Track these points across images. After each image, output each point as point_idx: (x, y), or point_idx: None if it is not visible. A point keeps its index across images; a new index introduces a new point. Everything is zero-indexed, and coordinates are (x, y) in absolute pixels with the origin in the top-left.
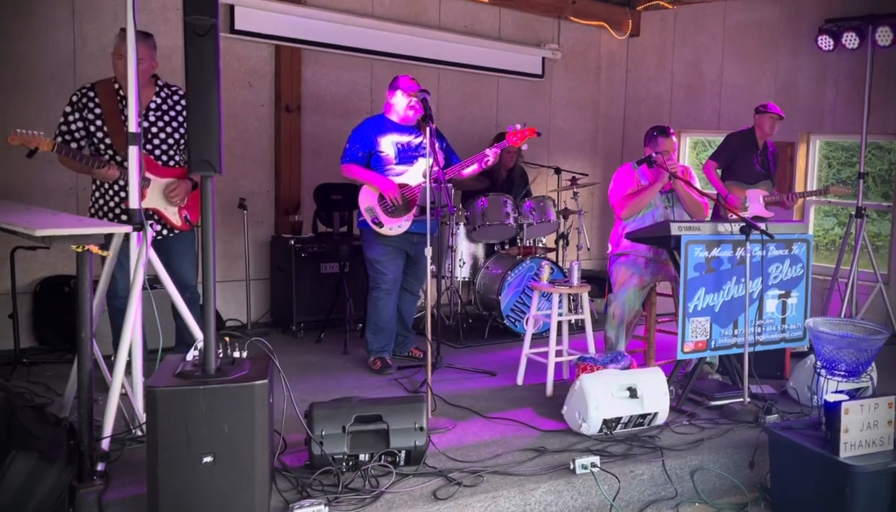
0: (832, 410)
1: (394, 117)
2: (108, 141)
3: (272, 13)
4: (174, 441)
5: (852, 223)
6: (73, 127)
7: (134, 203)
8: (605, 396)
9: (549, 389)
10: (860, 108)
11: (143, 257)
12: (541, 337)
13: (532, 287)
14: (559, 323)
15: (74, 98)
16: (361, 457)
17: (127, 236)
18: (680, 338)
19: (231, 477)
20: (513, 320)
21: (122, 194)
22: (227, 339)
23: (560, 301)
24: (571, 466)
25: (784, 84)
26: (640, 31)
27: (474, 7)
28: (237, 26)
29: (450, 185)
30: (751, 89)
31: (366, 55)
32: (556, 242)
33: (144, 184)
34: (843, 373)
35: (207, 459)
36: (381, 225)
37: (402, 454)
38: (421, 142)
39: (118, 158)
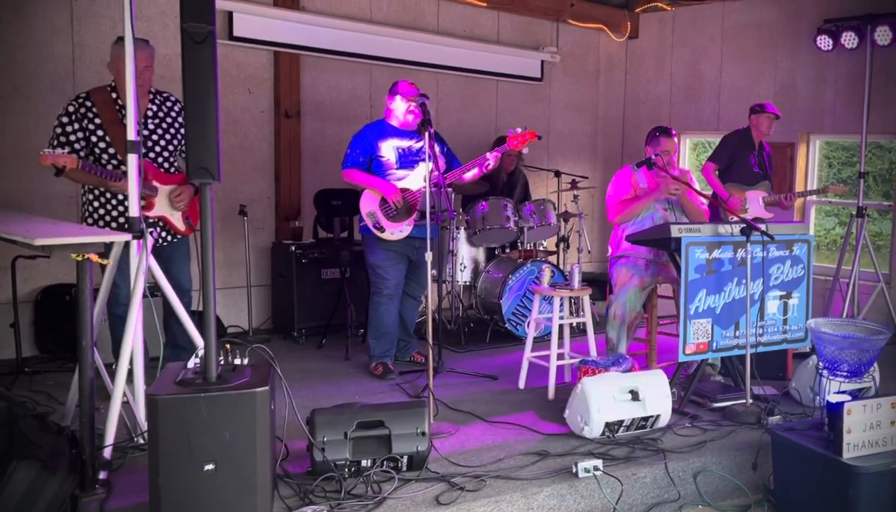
0: (835, 410)
1: (394, 122)
2: (111, 150)
3: (271, 19)
4: (176, 449)
5: (853, 223)
6: (71, 137)
7: (134, 211)
8: (606, 399)
9: (551, 393)
10: (860, 108)
11: (144, 265)
12: (542, 340)
13: (533, 290)
14: (560, 326)
15: (71, 108)
16: (364, 463)
17: (127, 244)
18: (681, 340)
19: (233, 484)
20: (514, 324)
21: (127, 203)
22: (228, 346)
23: (561, 304)
24: (574, 470)
25: (783, 84)
26: (639, 32)
27: (473, 11)
28: (236, 33)
29: (450, 189)
30: (750, 90)
31: (365, 60)
32: (557, 245)
33: (152, 192)
34: (845, 373)
35: (209, 466)
36: (382, 230)
37: (405, 459)
38: (422, 146)
39: (123, 168)
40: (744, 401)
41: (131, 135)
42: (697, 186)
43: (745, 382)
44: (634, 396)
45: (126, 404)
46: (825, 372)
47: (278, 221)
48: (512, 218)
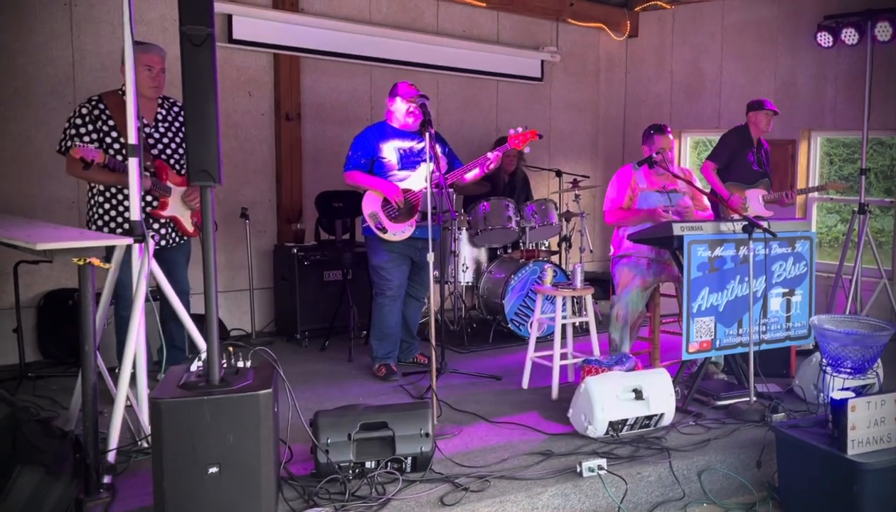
0: (839, 407)
1: (395, 124)
2: (125, 152)
3: (270, 22)
4: (180, 452)
5: (855, 220)
6: (85, 138)
7: (135, 215)
8: (610, 399)
9: (555, 393)
10: (861, 105)
11: (146, 269)
12: (545, 340)
13: (535, 290)
14: (563, 326)
15: (84, 110)
16: (368, 464)
17: (129, 248)
18: (685, 338)
19: (237, 487)
20: (517, 324)
21: (141, 204)
22: (230, 348)
23: (564, 304)
24: (578, 469)
25: (784, 82)
26: (639, 31)
27: (472, 11)
28: (235, 35)
29: (451, 189)
30: (751, 88)
31: (365, 62)
32: (559, 245)
33: (166, 192)
34: (849, 370)
35: (213, 469)
36: (384, 231)
37: (409, 461)
38: (423, 147)
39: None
40: (747, 399)
41: (131, 139)
42: (698, 184)
43: (748, 379)
44: (638, 394)
45: (129, 408)
46: (829, 369)
47: (280, 224)
48: (514, 218)
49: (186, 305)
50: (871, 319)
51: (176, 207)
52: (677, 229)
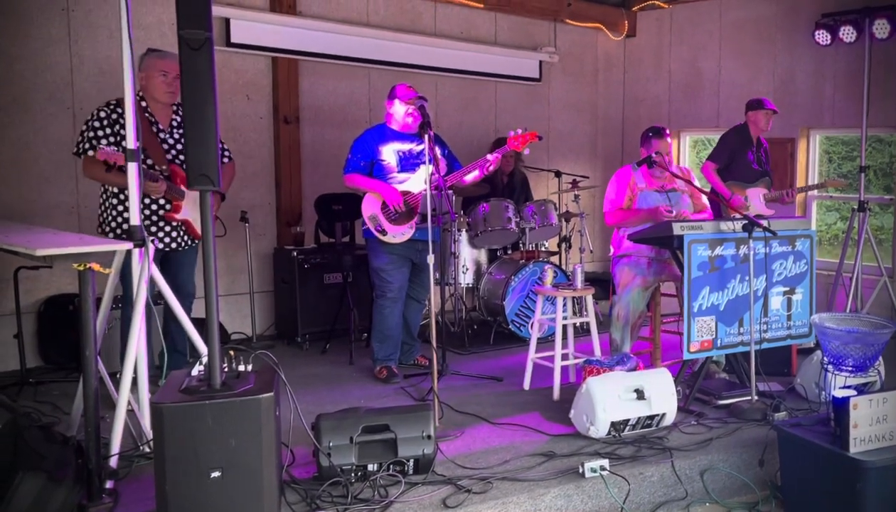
0: (841, 405)
1: (394, 126)
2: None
3: (268, 25)
4: (182, 457)
5: (855, 217)
6: (102, 141)
7: (135, 220)
8: (612, 399)
9: (556, 393)
10: (859, 102)
11: (146, 273)
12: (546, 341)
13: (536, 291)
14: (564, 326)
15: (103, 113)
16: (370, 467)
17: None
18: (686, 338)
19: (240, 491)
20: (518, 325)
21: (154, 206)
22: (231, 352)
23: (564, 304)
24: (581, 470)
25: (782, 80)
26: (637, 31)
27: (470, 13)
28: (233, 39)
29: (450, 191)
30: (749, 86)
31: (363, 64)
32: (559, 246)
33: (180, 196)
34: (850, 368)
35: (216, 473)
36: (384, 233)
37: (411, 463)
38: (422, 149)
39: (154, 170)
40: (749, 397)
41: (130, 144)
42: (697, 183)
43: (750, 378)
44: (640, 394)
45: (131, 413)
46: (830, 367)
47: (280, 227)
48: (513, 219)
49: (189, 308)
50: (872, 317)
51: (188, 211)
52: (677, 229)
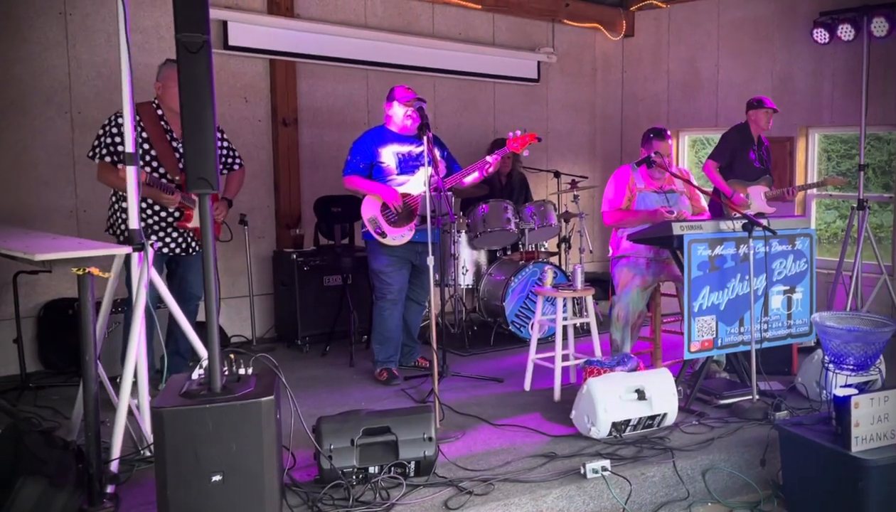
0: (842, 404)
1: (393, 128)
2: (154, 163)
3: (265, 28)
4: (183, 461)
5: (854, 216)
6: (119, 148)
7: (133, 223)
8: (613, 399)
9: (557, 394)
10: (858, 100)
11: (145, 277)
12: (546, 341)
13: (536, 292)
14: (564, 327)
15: (121, 120)
16: (371, 469)
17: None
18: (686, 337)
19: (241, 495)
20: (518, 326)
21: (163, 213)
22: (232, 356)
23: (564, 305)
24: (582, 471)
25: (781, 79)
26: (635, 31)
27: (468, 14)
28: (231, 42)
29: (449, 193)
30: (748, 85)
31: (361, 66)
32: (559, 246)
33: (192, 204)
34: (851, 367)
35: (217, 477)
36: (384, 235)
37: (412, 465)
38: (422, 151)
39: (167, 178)
40: (750, 397)
41: (129, 148)
42: (696, 183)
43: (750, 378)
44: (640, 395)
45: (131, 417)
46: (831, 366)
47: (279, 230)
48: (513, 220)
49: (195, 311)
50: (872, 316)
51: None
52: (677, 229)
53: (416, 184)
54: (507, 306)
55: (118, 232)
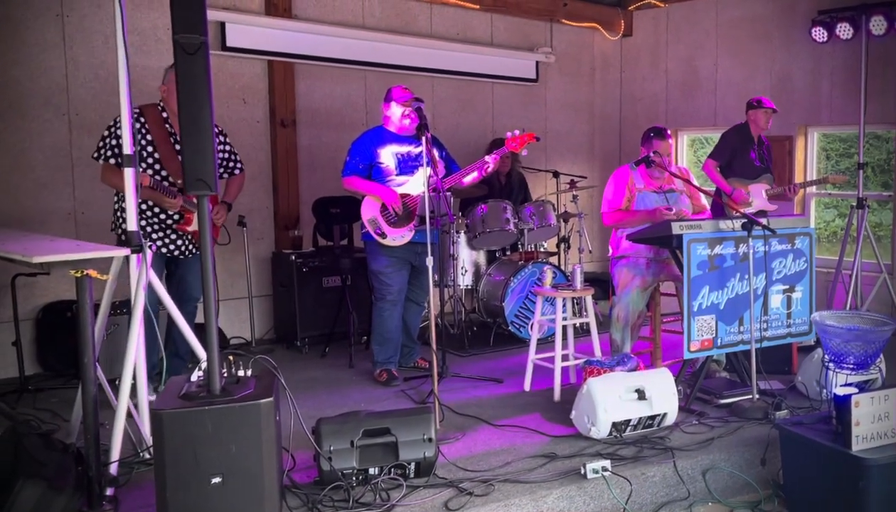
0: (842, 403)
1: (392, 128)
2: (157, 166)
3: (263, 28)
4: (182, 463)
5: (853, 214)
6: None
7: (132, 225)
8: (613, 399)
9: (557, 394)
10: (857, 99)
11: (143, 279)
12: (546, 342)
13: (535, 292)
14: (564, 327)
15: None
16: (371, 471)
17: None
18: (686, 337)
19: (241, 497)
20: (517, 326)
21: (163, 216)
22: (231, 357)
23: (564, 305)
24: (582, 471)
25: (779, 78)
26: (633, 30)
27: (466, 14)
28: (229, 43)
29: (448, 193)
30: (746, 85)
31: (359, 67)
32: (558, 246)
33: (193, 208)
34: (851, 366)
35: (216, 479)
36: (384, 236)
37: (412, 466)
38: (421, 152)
39: (169, 181)
40: (750, 396)
41: (127, 149)
42: (696, 183)
43: (750, 377)
44: (641, 395)
45: (130, 419)
46: (831, 365)
47: (277, 231)
48: (512, 220)
49: (194, 312)
50: (872, 315)
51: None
52: (676, 228)
53: (415, 184)
54: (507, 307)
55: (120, 233)
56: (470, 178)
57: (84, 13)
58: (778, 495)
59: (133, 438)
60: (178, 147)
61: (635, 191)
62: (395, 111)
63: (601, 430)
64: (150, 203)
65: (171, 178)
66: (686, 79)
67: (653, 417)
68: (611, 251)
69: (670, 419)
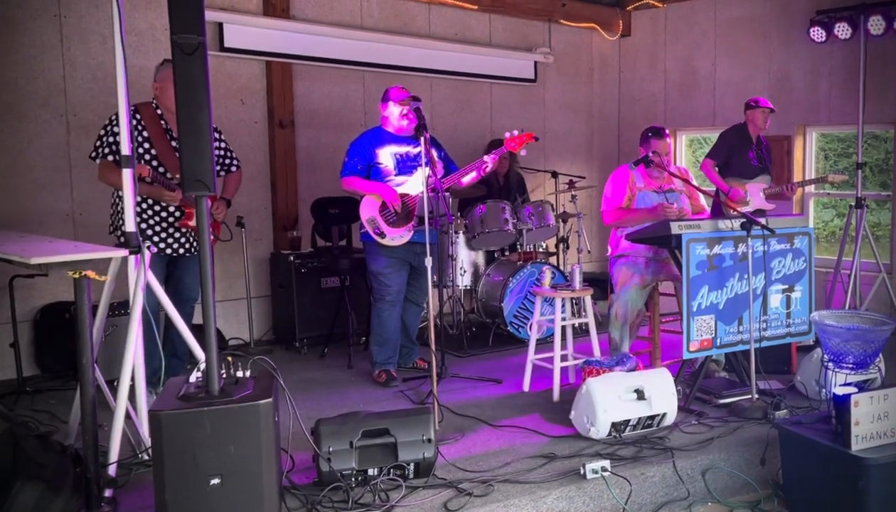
0: (842, 403)
1: (390, 128)
2: (154, 162)
3: (261, 29)
4: (181, 464)
5: (852, 214)
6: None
7: (130, 226)
8: (612, 399)
9: (556, 395)
10: (855, 99)
11: (142, 280)
12: (545, 342)
13: (534, 292)
14: (563, 327)
15: None
16: (370, 471)
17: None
18: (685, 337)
19: (240, 498)
20: (516, 327)
21: (164, 214)
22: (229, 358)
23: (563, 305)
24: (582, 472)
25: (778, 78)
26: (631, 30)
27: (464, 14)
28: (226, 44)
29: (447, 193)
30: (745, 84)
31: (357, 67)
32: (557, 246)
33: (192, 204)
34: (850, 365)
35: (215, 481)
36: (383, 236)
37: (411, 467)
38: (419, 152)
39: (167, 176)
40: (749, 396)
41: (125, 149)
42: (695, 182)
43: (750, 377)
44: (640, 395)
45: (129, 420)
46: (830, 364)
47: (276, 232)
48: (510, 220)
49: (192, 313)
50: (871, 314)
51: None
52: (675, 228)
53: (414, 184)
54: (506, 307)
55: (119, 233)
56: (468, 178)
57: (81, 14)
58: (777, 495)
59: (132, 440)
60: (174, 144)
61: (636, 190)
62: (393, 111)
63: (600, 430)
64: (151, 202)
65: (169, 174)
66: (684, 79)
67: (652, 417)
68: (609, 250)
69: (670, 419)
